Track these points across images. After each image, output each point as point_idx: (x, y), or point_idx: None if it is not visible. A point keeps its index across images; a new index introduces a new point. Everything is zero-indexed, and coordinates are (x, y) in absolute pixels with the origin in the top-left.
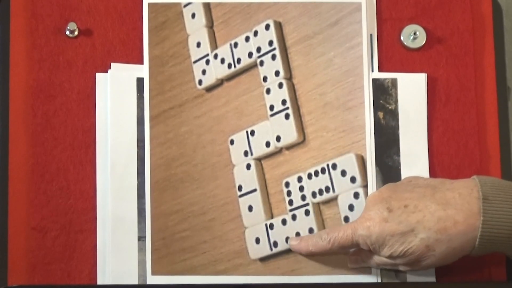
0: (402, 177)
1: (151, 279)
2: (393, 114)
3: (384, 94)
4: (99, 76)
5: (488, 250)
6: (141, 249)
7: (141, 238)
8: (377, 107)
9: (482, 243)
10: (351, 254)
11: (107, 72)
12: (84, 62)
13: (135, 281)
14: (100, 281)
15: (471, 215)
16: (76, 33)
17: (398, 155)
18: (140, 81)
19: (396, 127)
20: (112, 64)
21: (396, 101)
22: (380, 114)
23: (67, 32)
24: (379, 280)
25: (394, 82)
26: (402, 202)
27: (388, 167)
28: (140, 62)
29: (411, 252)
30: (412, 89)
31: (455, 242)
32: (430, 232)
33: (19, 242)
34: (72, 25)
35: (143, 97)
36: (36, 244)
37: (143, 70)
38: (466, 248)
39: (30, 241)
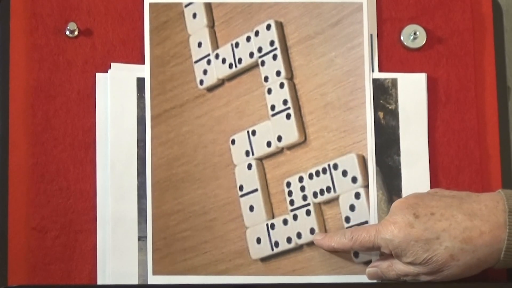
0: (402, 177)
1: (152, 279)
2: (393, 114)
3: (384, 94)
4: (99, 76)
5: None
6: (141, 249)
7: (141, 238)
8: (377, 107)
9: (508, 256)
10: (370, 266)
11: (107, 72)
12: (84, 62)
13: (135, 281)
14: (100, 281)
15: (497, 227)
16: (76, 33)
17: (398, 155)
18: (140, 81)
19: (396, 127)
20: (112, 64)
21: (396, 101)
22: (380, 114)
23: (67, 32)
24: (379, 280)
25: (394, 82)
26: (429, 209)
27: (388, 167)
28: (140, 62)
29: (434, 260)
30: (412, 89)
31: (480, 253)
32: (455, 241)
33: (19, 242)
34: (72, 25)
35: (143, 97)
36: (36, 244)
37: (144, 70)
38: (490, 260)
39: (30, 241)
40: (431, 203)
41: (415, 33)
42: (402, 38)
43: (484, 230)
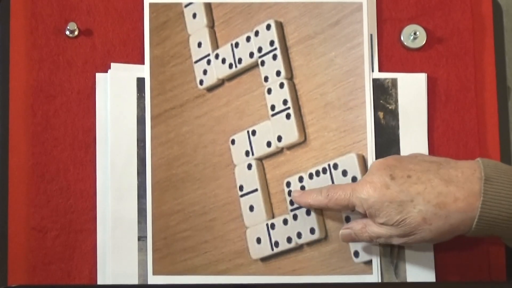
0: None
1: (152, 279)
2: (393, 114)
3: (384, 94)
4: (99, 76)
5: (485, 232)
6: (141, 249)
7: (141, 238)
8: (377, 107)
9: (480, 224)
10: (344, 228)
11: (107, 72)
12: (84, 62)
13: (135, 281)
14: (100, 281)
15: (472, 194)
16: (76, 33)
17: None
18: (140, 81)
19: (396, 127)
20: (112, 64)
21: (396, 101)
22: (380, 114)
23: (67, 32)
24: (379, 280)
25: (394, 82)
26: (406, 172)
27: None
28: (140, 62)
29: (407, 223)
30: (412, 89)
31: (452, 219)
32: (429, 205)
33: (19, 242)
34: (72, 25)
35: (143, 97)
36: (36, 244)
37: (144, 70)
38: (463, 227)
39: (30, 241)
40: (409, 165)
41: (415, 33)
42: (402, 38)
43: (459, 196)
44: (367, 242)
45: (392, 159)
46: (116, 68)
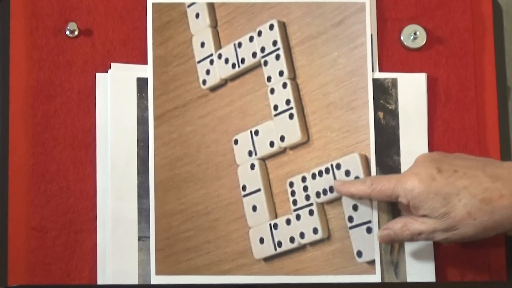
0: None
1: (155, 279)
2: (393, 114)
3: (384, 94)
4: (99, 76)
5: None
6: (141, 249)
7: (141, 238)
8: (377, 107)
9: None
10: (382, 229)
11: (107, 72)
12: (84, 62)
13: (135, 281)
14: (100, 281)
15: None
16: (76, 33)
17: (398, 155)
18: (140, 81)
19: (396, 127)
20: (112, 64)
21: (396, 101)
22: (380, 114)
23: (67, 32)
24: (380, 280)
25: (394, 82)
26: (453, 167)
27: (388, 167)
28: (140, 62)
29: (452, 216)
30: (412, 89)
31: (497, 215)
32: (475, 199)
33: (19, 242)
34: (72, 25)
35: (143, 97)
36: (36, 244)
37: (146, 70)
38: (507, 224)
39: (30, 241)
40: (455, 161)
41: (415, 33)
42: (402, 38)
43: (505, 193)
44: (408, 241)
45: (438, 153)
46: (116, 68)
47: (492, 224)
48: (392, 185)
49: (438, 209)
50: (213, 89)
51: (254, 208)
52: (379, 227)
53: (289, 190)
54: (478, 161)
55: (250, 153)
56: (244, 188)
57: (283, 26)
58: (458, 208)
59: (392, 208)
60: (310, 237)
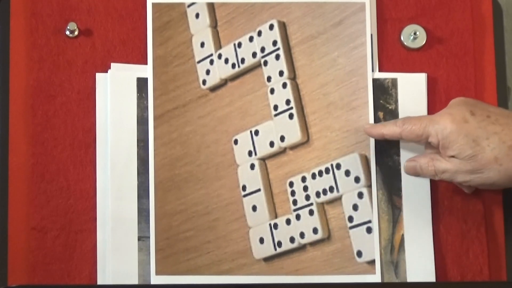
0: (402, 177)
1: (155, 279)
2: (393, 114)
3: (384, 94)
4: (99, 76)
5: None
6: (141, 249)
7: (141, 238)
8: (377, 107)
9: None
10: (409, 160)
11: (107, 72)
12: (84, 62)
13: (135, 281)
14: (100, 281)
15: None
16: (76, 33)
17: (398, 155)
18: (140, 81)
19: None
20: (112, 64)
21: (396, 101)
22: (380, 114)
23: (67, 32)
24: (380, 280)
25: (394, 82)
26: (486, 112)
27: (388, 167)
28: (140, 62)
29: (479, 159)
30: (412, 89)
31: None
32: (503, 145)
33: (19, 242)
34: (72, 25)
35: (143, 97)
36: (36, 244)
37: (146, 70)
38: None
39: (30, 241)
40: (489, 108)
41: (415, 33)
42: (402, 38)
43: None
44: (430, 177)
45: (472, 99)
46: (116, 68)
47: None
48: (424, 124)
49: (466, 150)
50: (213, 89)
51: (254, 208)
52: (379, 227)
53: (289, 190)
54: (511, 112)
55: (250, 153)
56: (244, 188)
57: (283, 26)
58: (486, 152)
59: (392, 208)
60: (310, 237)
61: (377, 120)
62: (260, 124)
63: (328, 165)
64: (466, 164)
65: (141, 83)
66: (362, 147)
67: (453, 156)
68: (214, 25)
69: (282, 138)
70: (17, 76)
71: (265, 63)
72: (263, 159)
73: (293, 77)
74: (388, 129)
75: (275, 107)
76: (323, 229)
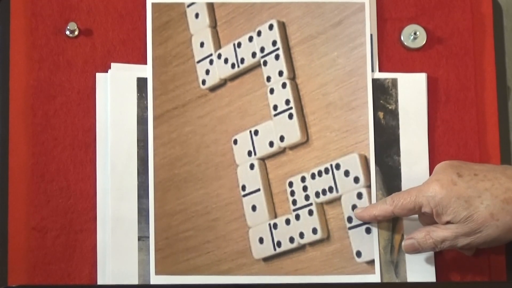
0: (402, 177)
1: (155, 279)
2: (393, 114)
3: (384, 94)
4: (99, 76)
5: None
6: (141, 249)
7: (141, 238)
8: (377, 107)
9: None
10: (406, 239)
11: (107, 72)
12: (84, 62)
13: (135, 281)
14: (100, 281)
15: None
16: (76, 33)
17: (398, 155)
18: (140, 81)
19: (396, 127)
20: (112, 64)
21: (396, 101)
22: (380, 114)
23: (67, 32)
24: (379, 280)
25: (394, 82)
26: (473, 171)
27: (388, 167)
28: (141, 62)
29: (474, 218)
30: (412, 89)
31: None
32: (496, 200)
33: (19, 242)
34: (72, 25)
35: (143, 97)
36: (36, 244)
37: (146, 70)
38: None
39: (30, 241)
40: (474, 166)
41: (415, 33)
42: (402, 38)
43: None
44: (430, 250)
45: (456, 161)
46: (116, 68)
47: None
48: (414, 196)
49: (461, 212)
50: (213, 89)
51: (254, 208)
52: (379, 227)
53: (289, 190)
54: (496, 166)
55: (249, 153)
56: (243, 188)
57: (282, 26)
58: (481, 210)
59: None
60: (309, 237)
61: (377, 120)
62: (260, 124)
63: (328, 165)
64: (463, 227)
65: (141, 83)
66: (361, 147)
67: (449, 222)
68: (213, 25)
69: (282, 138)
70: (17, 76)
71: (265, 63)
72: (262, 159)
73: (292, 77)
74: (380, 210)
75: (275, 107)
76: (322, 229)
